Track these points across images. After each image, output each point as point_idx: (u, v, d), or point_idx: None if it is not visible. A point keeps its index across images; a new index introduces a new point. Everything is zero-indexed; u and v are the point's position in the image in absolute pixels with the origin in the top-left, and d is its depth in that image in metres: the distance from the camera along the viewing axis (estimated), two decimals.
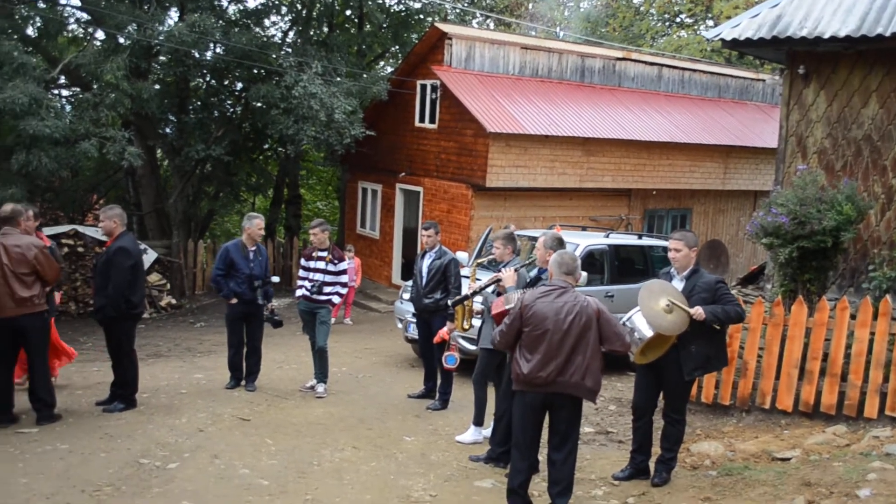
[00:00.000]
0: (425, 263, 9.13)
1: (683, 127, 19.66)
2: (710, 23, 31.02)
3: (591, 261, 11.30)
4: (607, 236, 12.16)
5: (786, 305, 8.26)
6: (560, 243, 6.64)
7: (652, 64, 21.45)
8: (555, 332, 5.35)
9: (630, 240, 12.78)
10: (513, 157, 16.47)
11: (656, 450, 6.61)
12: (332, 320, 9.49)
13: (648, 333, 6.04)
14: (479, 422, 7.76)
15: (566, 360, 5.35)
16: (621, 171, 18.27)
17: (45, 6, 18.17)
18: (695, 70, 22.21)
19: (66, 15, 19.32)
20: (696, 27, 32.66)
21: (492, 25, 29.50)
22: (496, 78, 18.12)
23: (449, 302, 7.83)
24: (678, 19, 33.34)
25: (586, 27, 32.93)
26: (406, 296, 11.32)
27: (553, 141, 16.96)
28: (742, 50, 10.79)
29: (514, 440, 5.69)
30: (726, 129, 20.60)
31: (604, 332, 5.44)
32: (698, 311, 6.06)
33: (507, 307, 5.90)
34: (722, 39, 10.03)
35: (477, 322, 7.99)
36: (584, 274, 9.39)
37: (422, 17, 23.14)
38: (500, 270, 7.65)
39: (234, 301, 8.93)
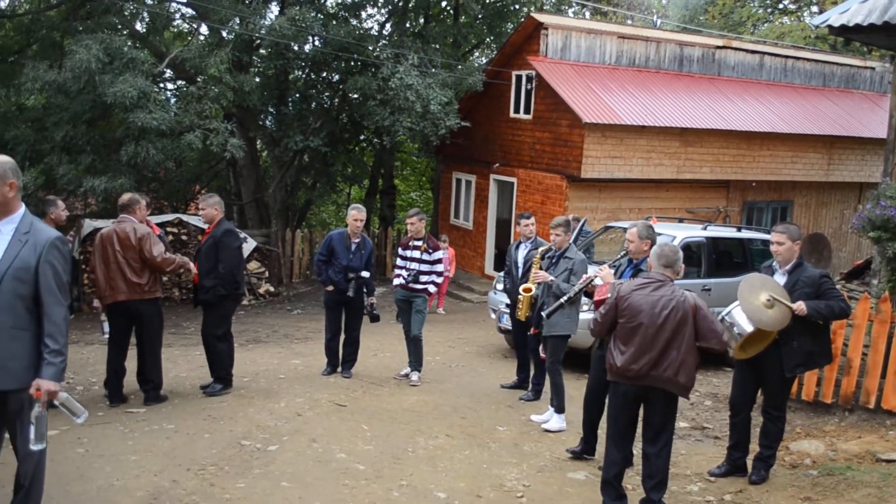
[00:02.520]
0: (521, 254, 9.12)
1: (785, 116, 19.09)
2: (815, 8, 29.98)
3: (689, 253, 11.10)
4: (705, 228, 11.93)
5: (893, 301, 7.97)
6: (652, 231, 6.55)
7: (753, 52, 20.87)
8: (649, 325, 5.29)
9: (729, 232, 12.49)
10: (608, 147, 16.29)
11: (754, 447, 6.49)
12: (427, 310, 9.58)
13: (748, 329, 5.92)
14: (561, 409, 7.77)
15: (660, 354, 5.28)
16: (720, 161, 17.87)
17: (152, 2, 18.81)
18: (798, 58, 21.51)
19: (173, 10, 19.98)
20: (799, 13, 31.62)
21: (587, 15, 29.18)
22: (592, 68, 17.94)
23: (544, 313, 7.74)
24: (781, 5, 32.32)
25: (684, 15, 32.26)
26: (500, 286, 11.33)
27: (650, 131, 16.72)
28: (850, 36, 10.38)
29: (609, 431, 5.66)
30: (831, 119, 19.91)
31: (700, 328, 5.33)
32: (800, 307, 5.91)
33: (609, 296, 5.87)
34: (829, 26, 9.69)
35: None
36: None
37: (517, 7, 23.06)
38: (558, 259, 7.68)
39: (330, 288, 9.13)
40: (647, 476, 5.52)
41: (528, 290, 8.15)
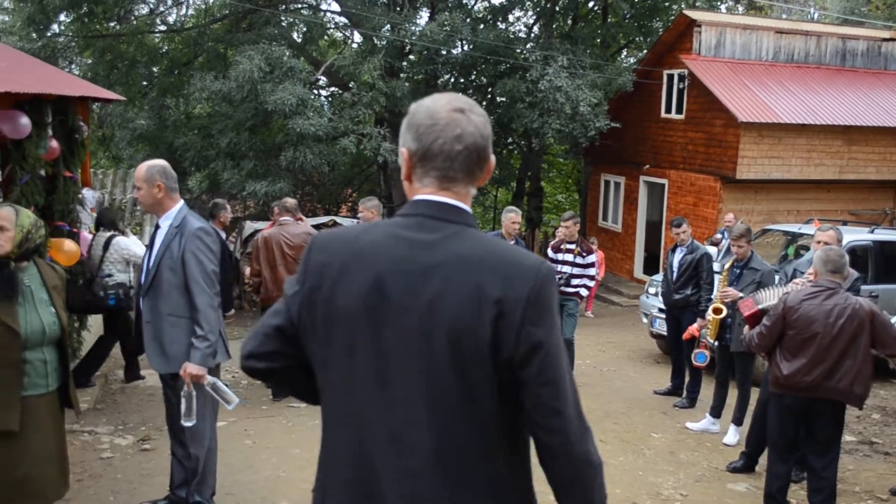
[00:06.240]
0: (676, 258, 8.92)
1: None
2: None
3: (854, 258, 10.55)
4: (872, 231, 11.33)
5: None
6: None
7: None
8: (824, 336, 5.04)
9: None
10: (765, 147, 15.73)
11: None
12: (579, 313, 9.53)
13: None
14: (740, 422, 7.50)
15: (834, 364, 5.04)
16: (887, 161, 16.91)
17: (308, 13, 19.51)
18: None
19: (327, 20, 20.65)
20: None
21: (741, 10, 28.23)
22: (748, 65, 17.36)
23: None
24: None
25: (845, 7, 30.67)
26: (652, 290, 11.14)
27: (810, 130, 16.02)
28: None
29: (772, 443, 5.47)
30: None
31: (880, 335, 5.08)
32: None
33: (758, 308, 5.67)
34: None
35: None
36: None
37: (668, 4, 22.57)
38: (742, 271, 7.34)
39: None
40: (814, 490, 5.31)
41: (717, 311, 7.45)
